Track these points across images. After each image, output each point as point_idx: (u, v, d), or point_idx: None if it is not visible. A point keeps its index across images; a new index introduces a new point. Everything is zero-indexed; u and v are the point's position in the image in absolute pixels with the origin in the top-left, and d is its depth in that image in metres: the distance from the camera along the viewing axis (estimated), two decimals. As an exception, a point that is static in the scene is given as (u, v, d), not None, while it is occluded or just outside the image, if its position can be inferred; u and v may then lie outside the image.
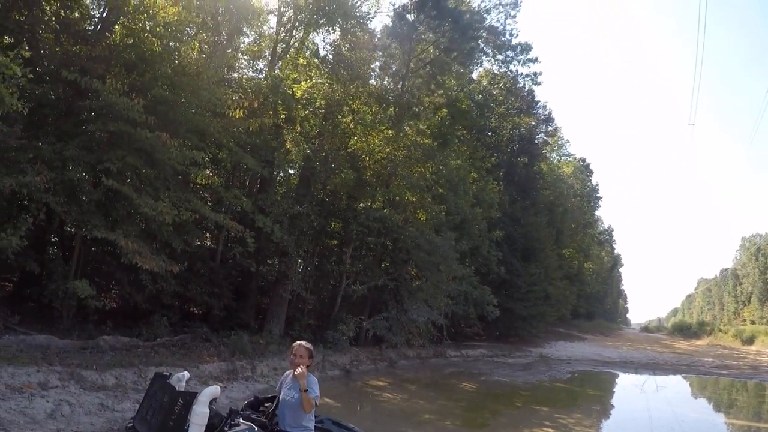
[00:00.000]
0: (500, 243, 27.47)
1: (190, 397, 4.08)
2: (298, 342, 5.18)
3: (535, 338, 35.46)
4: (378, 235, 19.38)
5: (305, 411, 4.78)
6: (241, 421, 4.68)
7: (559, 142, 52.05)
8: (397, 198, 19.69)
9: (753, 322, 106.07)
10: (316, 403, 4.84)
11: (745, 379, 26.40)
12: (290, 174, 20.67)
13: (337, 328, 17.84)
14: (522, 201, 33.50)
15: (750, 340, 55.25)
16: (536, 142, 38.43)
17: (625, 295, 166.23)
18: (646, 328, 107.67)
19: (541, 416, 13.96)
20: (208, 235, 17.11)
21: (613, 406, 18.09)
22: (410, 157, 20.52)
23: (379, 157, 20.27)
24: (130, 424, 4.51)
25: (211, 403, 4.24)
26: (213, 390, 4.28)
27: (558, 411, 14.94)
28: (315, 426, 5.08)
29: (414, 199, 20.48)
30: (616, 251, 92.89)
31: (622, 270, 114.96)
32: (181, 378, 4.42)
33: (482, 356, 26.02)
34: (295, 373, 4.79)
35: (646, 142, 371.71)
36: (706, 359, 36.30)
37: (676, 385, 24.54)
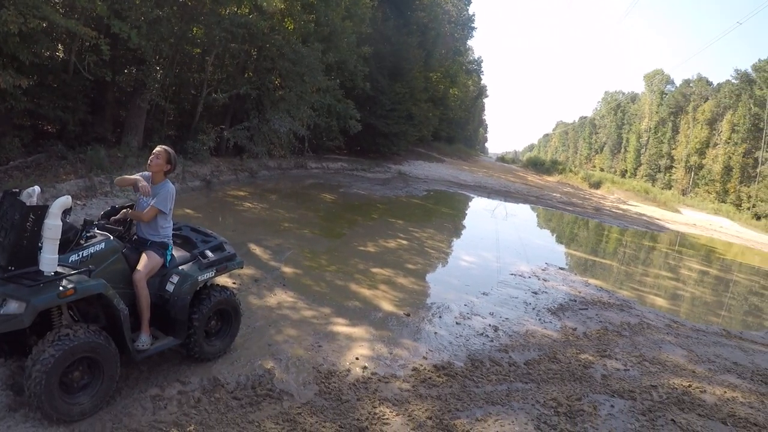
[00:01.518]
0: (368, 59, 28.10)
1: (41, 211, 3.99)
2: (162, 146, 5.35)
3: (396, 156, 37.45)
4: (242, 43, 19.33)
5: (142, 219, 5.09)
6: (97, 232, 4.86)
7: None
8: (265, 4, 19.45)
9: (602, 170, 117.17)
10: (162, 211, 5.12)
11: (587, 218, 30.03)
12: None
13: (197, 138, 18.10)
14: (395, 19, 33.80)
15: (597, 185, 61.89)
16: (417, -38, 37.71)
17: (486, 125, 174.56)
18: (502, 159, 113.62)
19: (396, 228, 15.74)
20: (59, 45, 15.80)
21: (464, 227, 20.31)
22: (282, -40, 19.80)
23: (248, -43, 19.37)
24: None
25: (64, 215, 4.26)
26: (64, 201, 4.19)
27: (412, 225, 16.78)
28: (173, 233, 5.49)
29: (282, 6, 19.96)
30: (482, 82, 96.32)
31: (486, 101, 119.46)
32: (31, 193, 4.31)
33: (342, 169, 27.47)
34: (140, 187, 5.00)
35: None
36: (554, 194, 40.40)
37: (525, 213, 27.58)
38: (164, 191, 5.18)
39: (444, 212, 22.48)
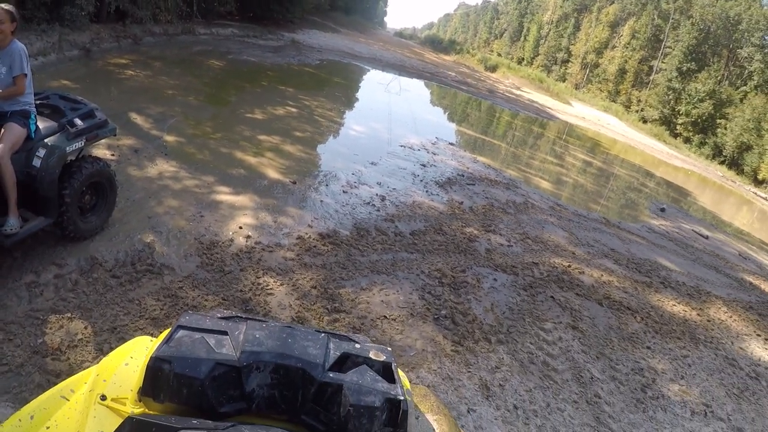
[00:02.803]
0: None
1: None
2: None
3: (290, 23, 35.90)
4: None
5: (16, 93, 4.52)
6: None
7: None
8: None
9: (500, 55, 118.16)
10: (26, 74, 4.57)
11: (481, 98, 30.38)
12: None
13: (75, 3, 16.21)
14: None
15: (493, 68, 62.48)
16: None
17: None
18: (400, 34, 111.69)
19: (286, 96, 15.27)
20: None
21: (357, 98, 19.99)
22: None
23: None
24: None
25: None
26: None
27: (302, 93, 16.31)
28: (38, 101, 4.93)
29: None
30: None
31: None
32: None
33: (233, 36, 26.12)
34: None
35: None
36: (450, 73, 40.45)
37: (419, 89, 27.52)
38: (17, 52, 4.51)
39: (336, 82, 22.07)
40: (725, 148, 61.79)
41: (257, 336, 1.77)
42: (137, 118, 9.44)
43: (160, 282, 4.89)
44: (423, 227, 7.74)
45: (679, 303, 8.06)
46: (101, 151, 7.09)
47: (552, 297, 6.68)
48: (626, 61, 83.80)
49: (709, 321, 7.86)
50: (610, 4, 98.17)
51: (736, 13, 71.16)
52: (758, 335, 7.95)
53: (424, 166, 11.40)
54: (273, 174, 8.35)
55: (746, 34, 71.01)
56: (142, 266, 5.04)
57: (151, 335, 2.94)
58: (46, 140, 4.72)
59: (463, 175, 11.48)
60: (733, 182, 50.19)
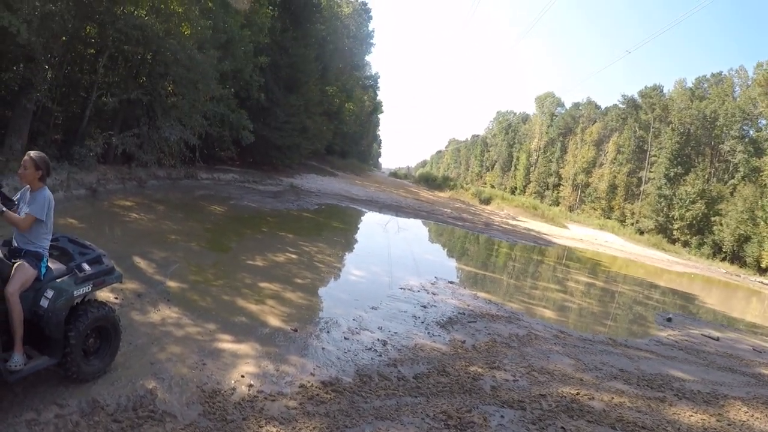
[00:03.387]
0: (264, 69, 27.88)
1: None
2: (28, 153, 5.07)
3: (288, 168, 37.28)
4: (136, 45, 18.62)
5: (19, 226, 4.81)
6: None
7: None
8: (162, 6, 18.92)
9: (493, 186, 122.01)
10: (39, 218, 4.87)
11: (478, 233, 31.00)
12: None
13: (84, 144, 17.33)
14: (294, 31, 33.61)
15: (487, 201, 64.17)
16: (320, -26, 37.80)
17: (381, 140, 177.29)
18: (395, 174, 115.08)
19: (286, 242, 15.64)
20: None
21: (355, 241, 20.41)
22: (184, -36, 19.33)
23: (150, -42, 18.84)
24: None
25: None
26: None
27: (302, 239, 16.71)
28: (51, 244, 5.19)
29: (180, 10, 19.61)
30: (378, 98, 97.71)
31: (381, 116, 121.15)
32: None
33: (234, 181, 27.01)
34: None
35: (432, 3, 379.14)
36: (446, 209, 41.44)
37: (416, 228, 28.15)
38: (41, 198, 4.90)
39: (335, 226, 22.58)
40: (724, 243, 62.11)
41: None
42: (141, 262, 9.66)
43: (162, 429, 4.85)
44: (426, 370, 7.70)
45: (696, 413, 7.89)
46: (105, 294, 7.23)
47: (563, 428, 6.53)
48: (615, 176, 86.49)
49: (729, 425, 7.69)
50: (592, 124, 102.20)
51: (711, 110, 74.35)
52: None
53: (424, 307, 11.42)
54: (274, 321, 8.42)
55: (725, 128, 73.27)
56: (144, 412, 5.01)
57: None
58: (54, 282, 4.93)
59: (464, 313, 11.49)
60: (738, 276, 50.10)
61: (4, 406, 4.58)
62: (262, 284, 10.44)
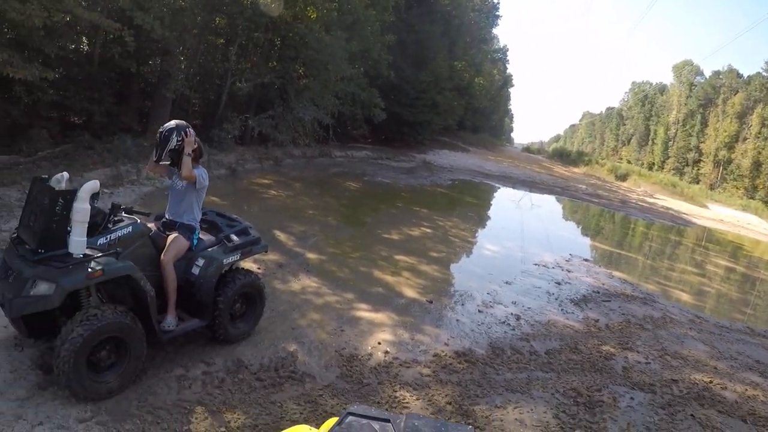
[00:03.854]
0: (392, 47, 27.94)
1: (70, 195, 4.09)
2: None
3: (420, 145, 37.44)
4: (265, 32, 19.38)
5: (184, 175, 5.01)
6: (125, 216, 4.86)
7: None
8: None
9: (629, 162, 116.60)
10: (200, 181, 5.19)
11: (613, 210, 29.78)
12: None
13: (222, 127, 18.27)
14: (418, 7, 33.51)
15: (623, 177, 61.32)
16: (443, -51, 37.29)
17: (512, 114, 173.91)
18: (527, 149, 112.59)
19: (420, 217, 15.78)
20: (83, 38, 16.03)
21: (489, 216, 20.26)
22: (306, -53, 19.74)
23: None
24: (14, 234, 4.58)
25: (92, 200, 4.27)
26: (92, 185, 4.26)
27: (436, 213, 16.81)
28: (201, 218, 5.53)
29: None
30: (508, 71, 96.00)
31: (511, 90, 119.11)
32: (60, 179, 4.35)
33: (367, 158, 27.58)
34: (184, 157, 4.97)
35: None
36: (580, 186, 40.16)
37: (550, 204, 27.37)
38: (198, 172, 5.22)
39: (468, 202, 22.54)
40: None
41: (416, 425, 1.93)
42: (281, 236, 10.14)
43: (302, 388, 5.14)
44: (558, 346, 7.57)
45: None
46: (249, 264, 7.61)
47: (692, 415, 6.24)
48: (760, 152, 78.94)
49: None
50: (734, 95, 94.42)
51: None
52: None
53: (558, 284, 11.18)
54: (410, 293, 8.56)
55: None
56: (285, 372, 5.34)
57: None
58: (205, 252, 5.30)
59: (599, 292, 11.14)
60: None
61: (156, 362, 5.02)
62: (398, 257, 10.63)
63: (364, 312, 7.27)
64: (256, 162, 19.22)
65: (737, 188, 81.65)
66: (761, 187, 79.08)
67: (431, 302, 8.26)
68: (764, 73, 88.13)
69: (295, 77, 21.28)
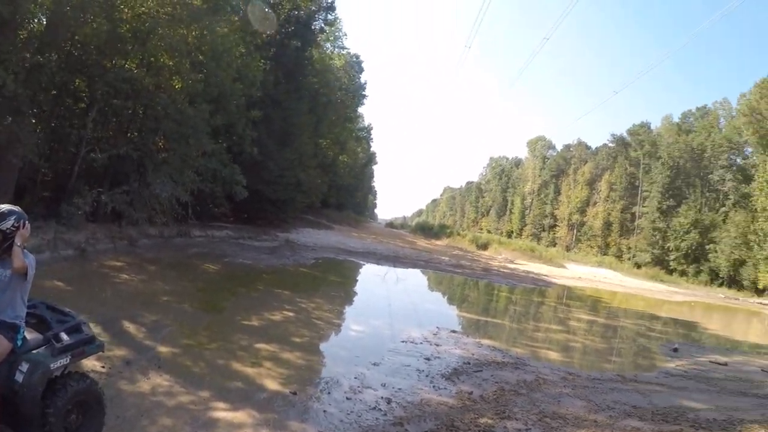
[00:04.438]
0: (257, 123, 27.91)
1: None
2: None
3: (284, 223, 37.20)
4: (126, 99, 18.66)
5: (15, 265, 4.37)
6: None
7: (336, 33, 53.64)
8: (153, 60, 18.91)
9: (489, 231, 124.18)
10: (27, 270, 4.49)
11: (477, 279, 30.95)
12: (37, 17, 17.64)
13: (73, 202, 17.02)
14: (287, 84, 33.79)
15: (484, 246, 65.06)
16: (313, 27, 38.32)
17: (375, 191, 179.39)
18: (391, 224, 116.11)
19: (282, 299, 15.32)
20: None
21: (354, 294, 20.17)
22: (174, 16, 19.22)
23: (140, 11, 18.85)
24: None
25: None
26: None
27: (299, 295, 16.40)
28: (27, 312, 4.77)
29: (171, 63, 19.74)
30: (372, 149, 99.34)
31: (375, 167, 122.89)
32: None
33: (228, 238, 26.90)
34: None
35: (423, 54, 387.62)
36: (443, 257, 41.48)
37: (415, 278, 27.98)
38: (28, 261, 4.48)
39: (332, 280, 22.38)
40: (720, 269, 65.49)
41: None
42: (130, 327, 9.34)
43: None
44: (434, 426, 7.35)
45: None
46: (91, 362, 6.86)
47: None
48: (609, 214, 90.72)
49: None
50: (584, 164, 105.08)
51: (698, 143, 78.46)
52: None
53: (428, 359, 11.09)
54: (272, 385, 8.05)
55: (713, 159, 76.82)
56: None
57: None
58: (30, 354, 4.52)
59: (469, 363, 11.19)
60: (737, 299, 53.08)
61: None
62: (259, 345, 10.09)
63: (222, 412, 6.67)
64: (109, 242, 17.99)
65: (591, 247, 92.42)
66: (613, 243, 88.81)
67: (295, 394, 7.78)
68: (610, 144, 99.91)
69: (154, 150, 20.46)
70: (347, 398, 8.01)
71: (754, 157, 70.22)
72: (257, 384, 7.99)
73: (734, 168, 74.72)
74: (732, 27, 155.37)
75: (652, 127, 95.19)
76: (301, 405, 7.45)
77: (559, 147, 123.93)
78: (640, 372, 13.09)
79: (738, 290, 60.27)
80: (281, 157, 32.65)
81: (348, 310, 16.75)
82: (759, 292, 58.29)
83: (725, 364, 14.96)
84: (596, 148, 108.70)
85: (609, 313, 26.06)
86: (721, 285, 63.83)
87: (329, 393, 8.13)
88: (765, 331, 30.75)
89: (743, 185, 69.90)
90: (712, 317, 33.26)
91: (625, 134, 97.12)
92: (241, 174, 25.66)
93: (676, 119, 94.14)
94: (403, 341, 12.58)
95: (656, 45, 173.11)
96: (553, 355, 13.88)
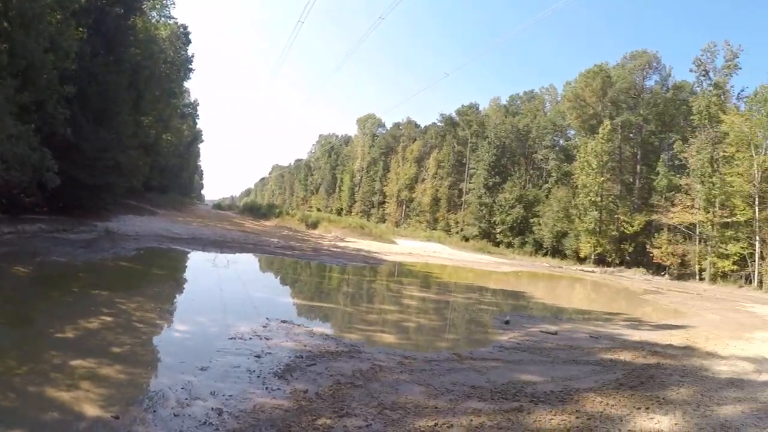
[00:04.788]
0: (71, 100, 26.21)
1: None
2: None
3: (103, 211, 35.16)
4: None
5: None
6: None
7: (164, 1, 51.71)
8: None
9: (319, 210, 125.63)
10: None
11: (307, 260, 31.05)
12: None
13: None
14: (105, 56, 31.85)
15: (314, 225, 65.69)
16: (138, -7, 35.76)
17: (202, 171, 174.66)
18: (218, 206, 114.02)
19: (100, 302, 14.23)
20: None
21: (177, 288, 19.17)
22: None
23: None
24: None
25: None
26: None
27: (118, 295, 15.40)
28: None
29: None
30: (198, 126, 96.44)
31: (201, 146, 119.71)
32: None
33: (41, 232, 24.97)
34: None
35: (255, 25, 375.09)
36: (272, 239, 41.19)
37: (242, 265, 27.37)
38: None
39: (155, 274, 21.39)
40: (544, 240, 73.24)
41: None
42: None
43: None
44: (271, 435, 7.22)
45: (555, 415, 8.26)
46: None
47: None
48: (437, 190, 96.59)
49: (589, 419, 8.14)
50: (413, 142, 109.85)
51: (524, 125, 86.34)
52: (638, 408, 8.56)
53: (258, 357, 10.79)
54: (92, 410, 7.50)
55: (538, 140, 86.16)
56: None
57: None
58: None
59: (302, 356, 11.04)
60: (560, 267, 59.68)
61: None
62: (75, 362, 9.33)
63: (38, 453, 6.13)
64: None
65: (420, 222, 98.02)
66: (441, 218, 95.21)
67: (117, 418, 7.33)
68: (439, 123, 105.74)
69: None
70: (175, 415, 7.66)
71: (576, 139, 78.91)
72: (75, 411, 7.42)
73: (557, 148, 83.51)
74: (558, 20, 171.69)
75: (481, 108, 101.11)
76: (123, 430, 7.04)
77: (389, 125, 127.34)
78: (475, 348, 13.53)
79: (561, 259, 67.31)
80: (98, 138, 30.66)
81: (172, 308, 15.86)
82: (580, 260, 65.95)
83: (555, 333, 15.95)
84: (425, 126, 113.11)
85: (440, 287, 27.19)
86: (545, 255, 70.80)
87: (155, 411, 7.73)
88: (587, 295, 33.92)
89: (565, 164, 77.78)
90: (538, 285, 36.17)
91: (454, 114, 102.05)
92: (53, 159, 23.78)
93: (504, 102, 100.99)
94: (231, 338, 12.21)
95: (492, 31, 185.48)
96: (388, 338, 14.11)
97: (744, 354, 14.86)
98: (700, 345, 15.88)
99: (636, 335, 17.20)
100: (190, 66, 63.56)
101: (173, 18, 56.93)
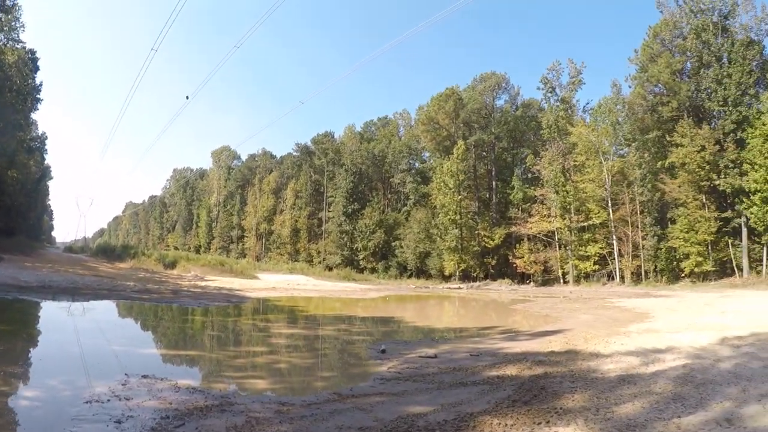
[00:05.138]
0: None
1: None
2: None
3: (-66, 262, 32.15)
4: None
5: None
6: None
7: (13, 23, 48.41)
8: None
9: (176, 248, 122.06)
10: None
11: (166, 303, 29.30)
12: None
13: None
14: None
15: (172, 265, 63.32)
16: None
17: (52, 210, 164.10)
18: (70, 249, 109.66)
19: None
20: None
21: (23, 347, 16.66)
22: None
23: None
24: None
25: None
26: None
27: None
28: None
29: None
30: (46, 161, 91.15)
31: (50, 183, 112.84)
32: None
33: None
34: None
35: (113, 55, 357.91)
36: (128, 283, 39.08)
37: (96, 314, 24.60)
38: None
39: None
40: (408, 262, 75.64)
41: None
42: None
43: None
44: None
45: None
46: None
47: None
48: (296, 221, 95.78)
49: None
50: (269, 173, 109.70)
51: (380, 150, 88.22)
52: (538, 424, 8.27)
53: (119, 422, 9.20)
54: None
55: (394, 164, 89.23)
56: None
57: None
58: None
59: (168, 417, 9.58)
60: (427, 287, 61.35)
61: None
62: None
63: None
64: None
65: (281, 254, 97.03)
66: (302, 249, 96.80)
67: None
68: (294, 153, 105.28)
69: None
70: None
71: (432, 161, 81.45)
72: None
73: (413, 171, 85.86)
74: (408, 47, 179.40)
75: (336, 136, 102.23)
76: None
77: (244, 157, 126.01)
78: (355, 383, 12.70)
79: (427, 279, 69.20)
80: None
81: (18, 371, 13.47)
82: (446, 278, 68.39)
83: (435, 356, 15.48)
84: (281, 157, 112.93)
85: (309, 321, 26.50)
86: (410, 276, 72.35)
87: None
88: (455, 311, 34.56)
89: (422, 186, 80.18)
90: (407, 308, 36.56)
91: (309, 143, 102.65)
92: None
93: (358, 128, 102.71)
94: (87, 401, 10.54)
95: (343, 60, 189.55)
96: (261, 384, 13.05)
97: (626, 349, 15.27)
98: (581, 347, 16.25)
99: (516, 347, 17.31)
100: (38, 95, 59.81)
101: (22, 42, 52.78)
